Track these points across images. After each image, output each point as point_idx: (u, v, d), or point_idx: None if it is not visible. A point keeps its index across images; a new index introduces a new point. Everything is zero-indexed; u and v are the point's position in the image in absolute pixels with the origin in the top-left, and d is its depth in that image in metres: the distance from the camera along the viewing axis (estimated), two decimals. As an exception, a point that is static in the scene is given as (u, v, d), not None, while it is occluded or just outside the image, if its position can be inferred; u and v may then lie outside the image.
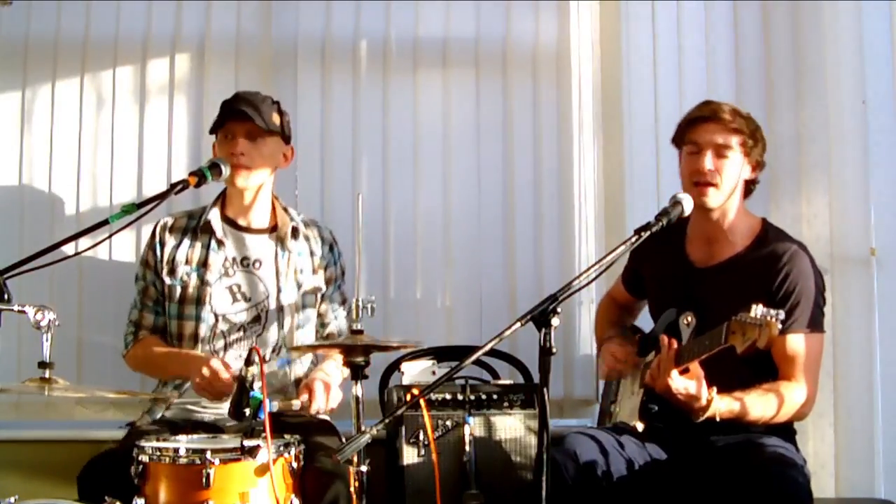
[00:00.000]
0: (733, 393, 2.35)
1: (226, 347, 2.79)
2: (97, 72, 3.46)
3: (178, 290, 2.79)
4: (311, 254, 2.91)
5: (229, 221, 2.87)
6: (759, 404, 2.37)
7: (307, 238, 2.92)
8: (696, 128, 2.53)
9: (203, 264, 2.80)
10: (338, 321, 2.95)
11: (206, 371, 2.55)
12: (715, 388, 2.30)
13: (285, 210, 2.92)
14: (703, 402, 2.29)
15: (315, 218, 3.05)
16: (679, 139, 2.61)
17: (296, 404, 2.55)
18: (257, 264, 2.84)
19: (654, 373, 2.35)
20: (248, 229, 2.87)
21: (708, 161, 2.49)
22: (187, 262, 2.81)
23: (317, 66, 3.51)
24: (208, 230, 2.83)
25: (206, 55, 3.48)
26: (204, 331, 2.76)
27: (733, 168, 2.51)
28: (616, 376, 2.79)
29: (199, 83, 3.47)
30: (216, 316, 2.78)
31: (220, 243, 2.82)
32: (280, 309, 2.82)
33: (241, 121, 2.76)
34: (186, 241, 2.83)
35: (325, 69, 3.51)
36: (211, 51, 3.48)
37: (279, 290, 2.82)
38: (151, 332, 2.83)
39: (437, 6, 3.53)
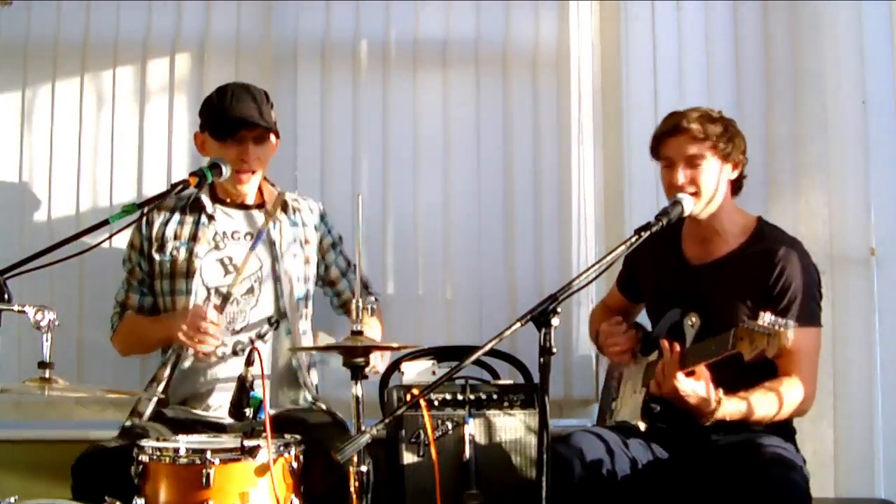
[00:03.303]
0: (738, 393, 2.35)
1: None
2: (97, 72, 3.46)
3: (168, 265, 2.79)
4: (304, 224, 2.94)
5: (219, 200, 2.89)
6: (764, 403, 2.38)
7: (296, 210, 2.95)
8: (665, 142, 2.57)
9: (193, 238, 2.81)
10: (349, 283, 3.02)
11: (201, 324, 2.59)
12: (721, 390, 2.30)
13: (272, 185, 2.95)
14: (713, 404, 2.29)
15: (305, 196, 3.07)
16: (654, 153, 2.64)
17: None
18: (248, 237, 2.85)
19: (660, 377, 2.34)
20: (238, 205, 2.90)
21: (680, 175, 2.51)
22: (176, 237, 2.82)
23: (317, 66, 3.51)
24: (198, 207, 2.84)
25: (206, 55, 3.48)
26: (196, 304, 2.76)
27: (709, 174, 2.52)
28: (623, 356, 2.76)
29: (199, 83, 3.46)
30: (207, 289, 2.78)
31: (210, 218, 2.83)
32: (277, 279, 2.82)
33: (250, 128, 2.77)
34: (175, 217, 2.84)
35: (325, 69, 3.51)
36: (211, 51, 3.48)
37: (274, 260, 2.83)
38: (137, 312, 2.85)
39: (437, 6, 3.53)
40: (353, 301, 2.37)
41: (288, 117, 3.38)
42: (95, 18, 3.45)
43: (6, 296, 2.02)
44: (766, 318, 2.04)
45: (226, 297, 2.75)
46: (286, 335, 2.84)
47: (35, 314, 2.02)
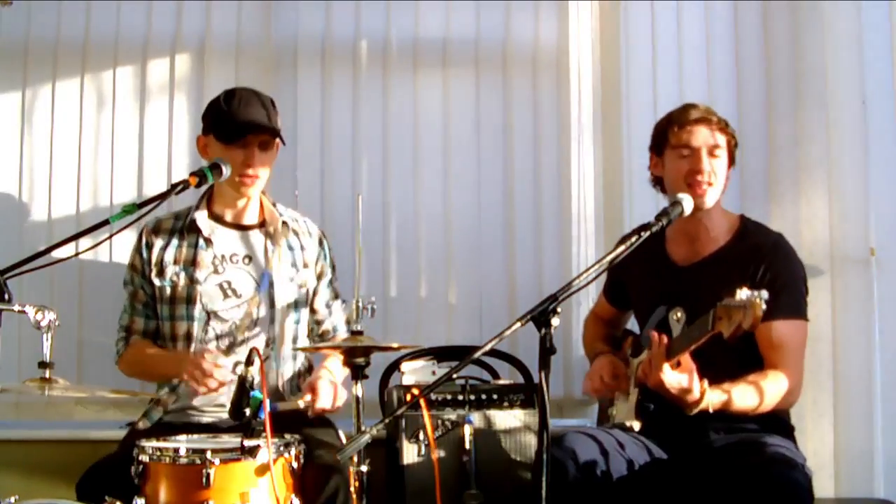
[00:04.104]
0: (722, 385, 2.36)
1: (218, 345, 2.76)
2: (97, 72, 3.46)
3: (168, 290, 2.77)
4: (302, 248, 2.89)
5: (217, 218, 2.85)
6: (747, 395, 2.39)
7: (296, 233, 2.90)
8: (687, 130, 2.57)
9: (192, 263, 2.78)
10: (332, 317, 2.93)
11: (205, 365, 2.55)
12: (706, 381, 2.31)
13: (273, 205, 2.91)
14: (696, 394, 2.30)
15: (306, 216, 3.02)
16: (663, 143, 2.63)
17: (300, 404, 2.55)
18: (247, 259, 2.83)
19: (647, 368, 2.35)
20: (236, 225, 2.86)
21: (706, 162, 2.54)
22: (175, 261, 2.79)
23: (317, 66, 3.52)
24: (195, 229, 2.81)
25: (206, 55, 3.48)
26: (196, 330, 2.74)
27: (724, 167, 2.58)
28: (600, 396, 2.78)
29: (199, 83, 3.47)
30: (208, 314, 2.77)
31: (207, 241, 2.80)
32: (272, 304, 2.81)
33: (258, 132, 2.74)
34: (174, 242, 2.81)
35: (325, 69, 3.51)
36: (211, 51, 3.48)
37: (270, 285, 2.81)
38: (142, 336, 2.82)
39: (437, 6, 3.53)
40: (353, 302, 2.38)
41: (288, 117, 3.38)
42: (95, 18, 3.46)
43: (6, 296, 2.02)
44: (742, 293, 2.04)
45: (232, 344, 2.74)
46: (274, 359, 2.80)
47: (35, 314, 2.02)
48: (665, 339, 2.33)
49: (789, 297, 2.47)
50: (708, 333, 2.15)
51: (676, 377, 2.29)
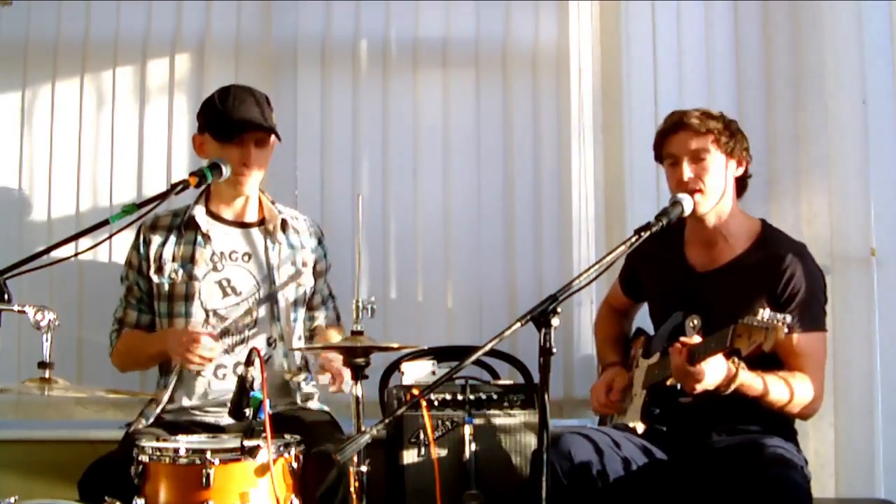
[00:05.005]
0: (756, 372, 2.34)
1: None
2: (97, 72, 3.46)
3: (167, 287, 2.77)
4: (302, 246, 2.90)
5: (215, 216, 2.85)
6: (777, 387, 2.37)
7: (296, 231, 2.91)
8: (669, 139, 2.56)
9: (190, 260, 2.78)
10: (325, 313, 2.96)
11: (184, 338, 2.59)
12: (736, 359, 2.29)
13: (273, 203, 2.91)
14: (732, 371, 2.28)
15: (305, 215, 3.02)
16: (657, 154, 2.63)
17: (322, 379, 2.55)
18: (246, 257, 2.83)
19: (680, 377, 2.31)
20: (235, 223, 2.86)
21: (686, 170, 2.50)
22: (174, 259, 2.79)
23: (317, 66, 3.51)
24: (193, 226, 2.81)
25: (206, 55, 3.48)
26: (194, 327, 2.74)
27: (715, 170, 2.51)
28: (603, 413, 2.78)
29: (199, 83, 3.46)
30: (206, 311, 2.76)
31: (206, 238, 2.80)
32: (273, 301, 2.81)
33: (254, 130, 2.74)
34: (172, 239, 2.81)
35: (325, 69, 3.51)
36: (211, 51, 3.48)
37: (271, 283, 2.81)
38: (134, 328, 2.83)
39: (437, 6, 3.53)
40: (354, 301, 2.38)
41: (288, 117, 3.38)
42: (95, 18, 3.45)
43: (6, 296, 2.02)
44: (764, 313, 2.03)
45: (225, 331, 2.75)
46: (283, 357, 2.81)
47: (35, 314, 2.03)
48: (679, 346, 2.30)
49: (809, 311, 2.46)
50: (725, 349, 2.14)
51: (706, 367, 2.25)
